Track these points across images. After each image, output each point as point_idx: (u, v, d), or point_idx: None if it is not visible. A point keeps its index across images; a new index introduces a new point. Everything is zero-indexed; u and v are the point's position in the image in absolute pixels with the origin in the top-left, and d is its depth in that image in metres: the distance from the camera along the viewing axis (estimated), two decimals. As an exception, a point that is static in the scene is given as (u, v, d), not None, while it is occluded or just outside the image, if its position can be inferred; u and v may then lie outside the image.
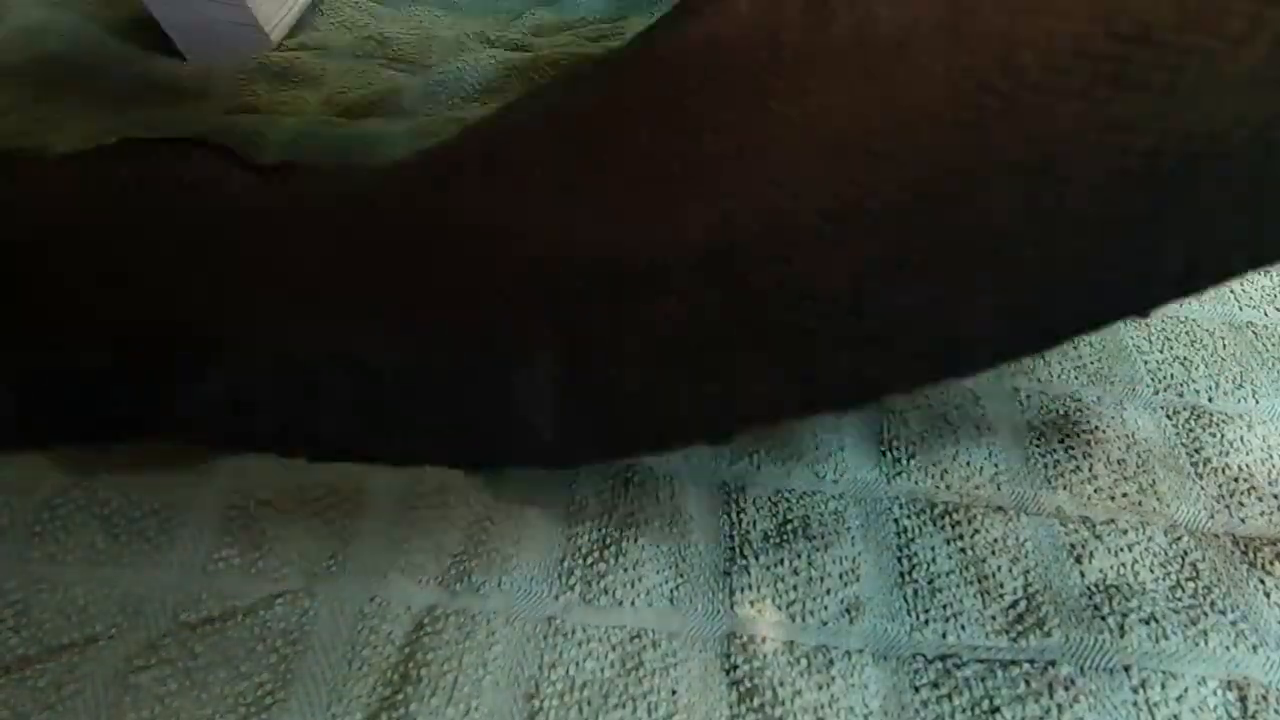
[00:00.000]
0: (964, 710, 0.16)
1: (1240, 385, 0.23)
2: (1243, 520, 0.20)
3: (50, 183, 0.26)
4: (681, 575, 0.18)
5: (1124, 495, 0.20)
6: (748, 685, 0.16)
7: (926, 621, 0.18)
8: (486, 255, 0.22)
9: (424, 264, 0.23)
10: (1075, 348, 0.24)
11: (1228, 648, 0.17)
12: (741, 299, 0.20)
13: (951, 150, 0.19)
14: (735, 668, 0.17)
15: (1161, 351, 0.24)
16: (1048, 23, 0.19)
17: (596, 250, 0.21)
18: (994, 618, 0.18)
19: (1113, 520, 0.20)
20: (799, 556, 0.18)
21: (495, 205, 0.23)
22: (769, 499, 0.20)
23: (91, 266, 0.23)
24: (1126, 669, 0.17)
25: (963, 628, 0.17)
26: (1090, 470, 0.20)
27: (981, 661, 0.17)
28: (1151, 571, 0.19)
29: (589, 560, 0.18)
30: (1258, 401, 0.23)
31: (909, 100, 0.20)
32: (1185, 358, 0.24)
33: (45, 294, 0.22)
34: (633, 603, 0.18)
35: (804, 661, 0.17)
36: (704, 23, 0.21)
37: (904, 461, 0.20)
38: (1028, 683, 0.16)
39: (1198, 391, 0.23)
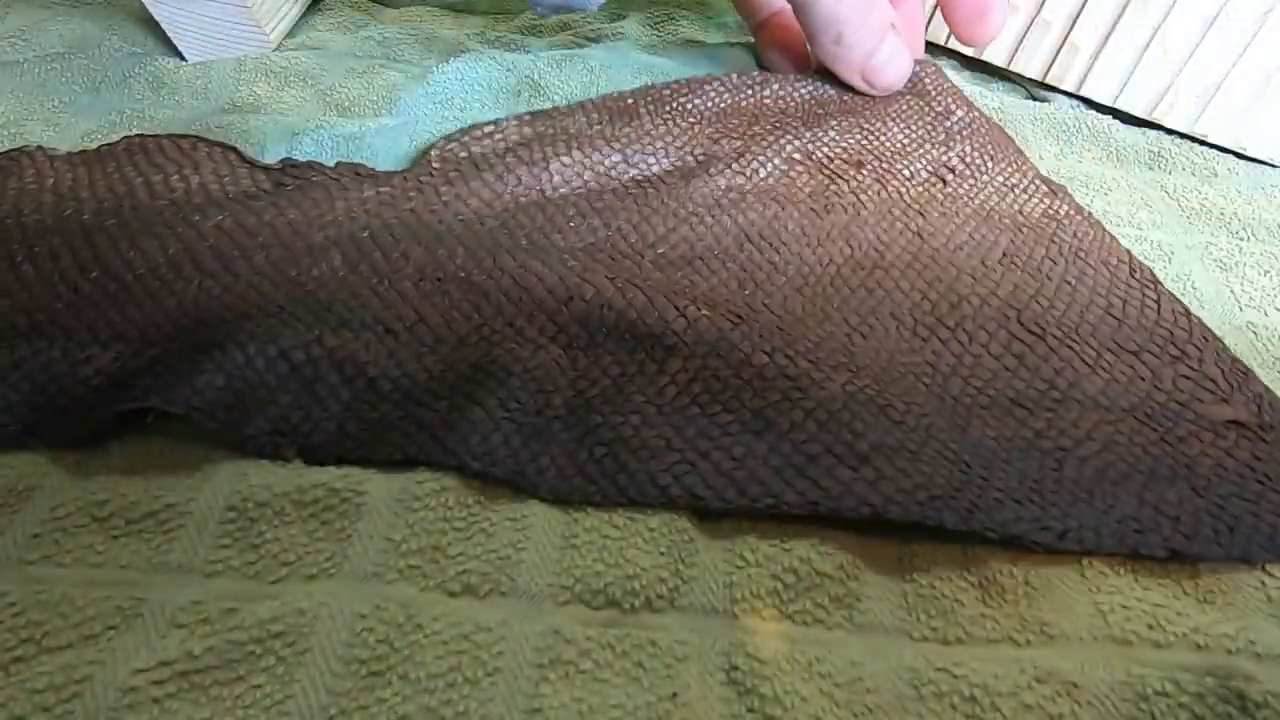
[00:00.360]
0: (968, 714, 0.16)
1: (1242, 386, 0.23)
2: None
3: (54, 182, 0.26)
4: (682, 580, 0.18)
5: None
6: (748, 686, 0.16)
7: (930, 623, 0.17)
8: (494, 285, 0.23)
9: (429, 281, 0.23)
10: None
11: (1229, 652, 0.17)
12: (745, 377, 0.21)
13: (911, 367, 0.22)
14: (736, 669, 0.16)
15: (1163, 352, 0.24)
16: (984, 289, 0.25)
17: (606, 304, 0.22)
18: (997, 620, 0.18)
19: (1115, 521, 0.19)
20: (800, 560, 0.18)
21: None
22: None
23: (95, 265, 0.23)
24: (1131, 673, 0.17)
25: (966, 629, 0.17)
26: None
27: (986, 663, 0.17)
28: (1152, 573, 0.19)
29: (589, 562, 0.18)
30: (1260, 402, 0.23)
31: (882, 305, 0.24)
32: (1187, 358, 0.24)
33: (50, 293, 0.22)
34: (633, 605, 0.17)
35: (807, 665, 0.17)
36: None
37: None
38: (1032, 686, 0.16)
39: (1200, 392, 0.23)
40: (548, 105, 0.34)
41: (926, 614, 0.18)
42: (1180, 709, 0.16)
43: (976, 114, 0.33)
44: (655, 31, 0.41)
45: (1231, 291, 0.28)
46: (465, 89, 0.35)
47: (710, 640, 0.17)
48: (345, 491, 0.19)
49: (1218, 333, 0.25)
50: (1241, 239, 0.31)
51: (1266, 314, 0.27)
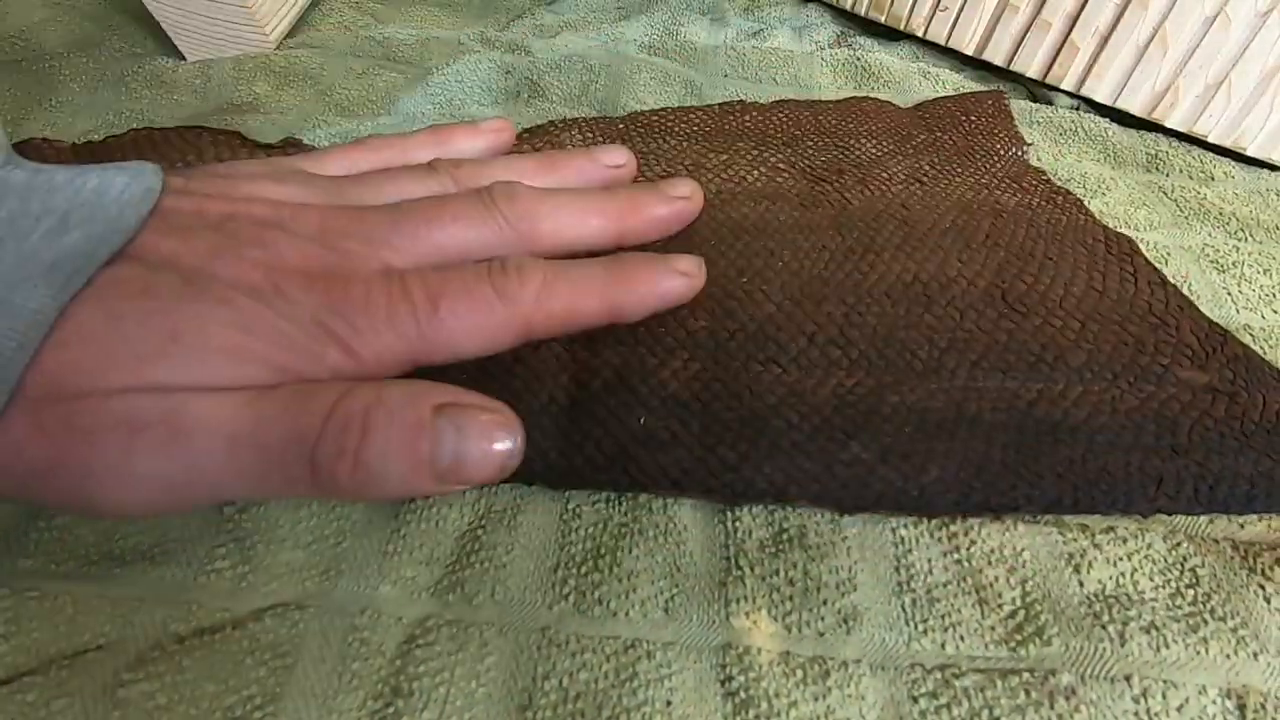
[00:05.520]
0: (963, 721, 0.16)
1: (1241, 390, 0.23)
2: (1241, 525, 0.20)
3: None
4: (676, 585, 0.18)
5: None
6: (743, 696, 0.16)
7: (925, 631, 0.17)
8: None
9: None
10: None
11: (1228, 655, 0.17)
12: (743, 382, 0.21)
13: (907, 345, 0.23)
14: (730, 679, 0.16)
15: (1162, 356, 0.24)
16: (972, 270, 0.26)
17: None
18: (993, 627, 0.17)
19: (1111, 528, 0.19)
20: (795, 566, 0.18)
21: None
22: (765, 508, 0.19)
23: None
24: (1127, 678, 0.17)
25: (961, 637, 0.17)
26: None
27: (981, 671, 0.17)
28: (1151, 579, 0.18)
29: (583, 570, 0.18)
30: (1259, 407, 0.22)
31: (876, 286, 0.25)
32: (1186, 362, 0.24)
33: None
34: (627, 613, 0.17)
35: (800, 672, 0.17)
36: None
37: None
38: (1028, 692, 0.16)
39: (1199, 397, 0.23)
40: (547, 106, 0.34)
41: (924, 623, 0.18)
42: (1179, 713, 0.16)
43: (938, 134, 0.34)
44: (656, 32, 0.41)
45: (1229, 293, 0.27)
46: (465, 90, 0.34)
47: (705, 651, 0.17)
48: (339, 501, 0.19)
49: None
50: (1238, 240, 0.30)
51: (1263, 315, 0.27)
